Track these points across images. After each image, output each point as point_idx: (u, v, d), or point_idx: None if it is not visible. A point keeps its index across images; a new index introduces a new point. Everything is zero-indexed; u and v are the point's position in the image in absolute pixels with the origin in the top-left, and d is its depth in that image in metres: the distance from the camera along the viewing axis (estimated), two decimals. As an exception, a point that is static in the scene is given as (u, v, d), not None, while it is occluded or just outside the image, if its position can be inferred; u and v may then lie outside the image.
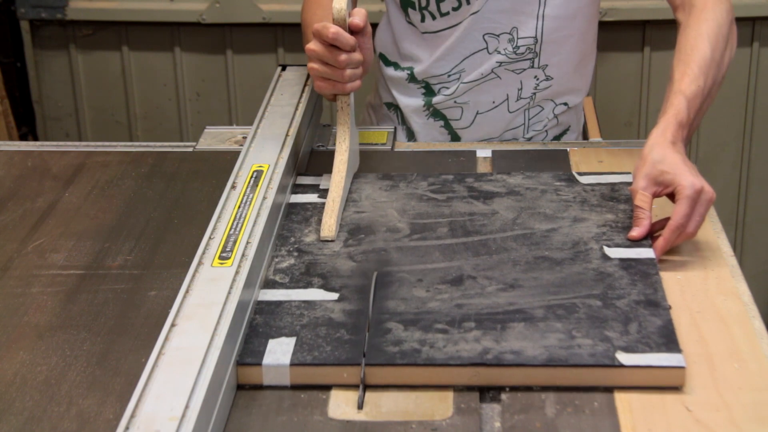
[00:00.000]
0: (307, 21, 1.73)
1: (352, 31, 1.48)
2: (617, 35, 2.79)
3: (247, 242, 1.35)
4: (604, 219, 1.48)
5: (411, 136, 1.89)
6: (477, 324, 1.25)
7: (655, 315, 1.27)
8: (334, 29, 1.45)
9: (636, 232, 1.42)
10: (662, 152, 1.42)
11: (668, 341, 1.22)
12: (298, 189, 1.59)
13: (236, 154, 1.61)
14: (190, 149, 1.80)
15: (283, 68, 1.86)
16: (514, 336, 1.23)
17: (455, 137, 1.86)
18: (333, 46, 1.47)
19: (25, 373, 1.22)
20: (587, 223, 1.48)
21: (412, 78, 1.84)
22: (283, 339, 1.24)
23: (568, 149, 1.76)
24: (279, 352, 1.21)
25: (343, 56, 1.47)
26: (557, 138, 1.89)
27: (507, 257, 1.40)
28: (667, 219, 1.41)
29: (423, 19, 1.78)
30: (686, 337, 1.26)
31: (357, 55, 1.49)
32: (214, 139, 1.83)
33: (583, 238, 1.44)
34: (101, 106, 3.04)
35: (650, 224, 1.42)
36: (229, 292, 1.24)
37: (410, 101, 1.86)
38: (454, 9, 1.74)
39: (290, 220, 1.50)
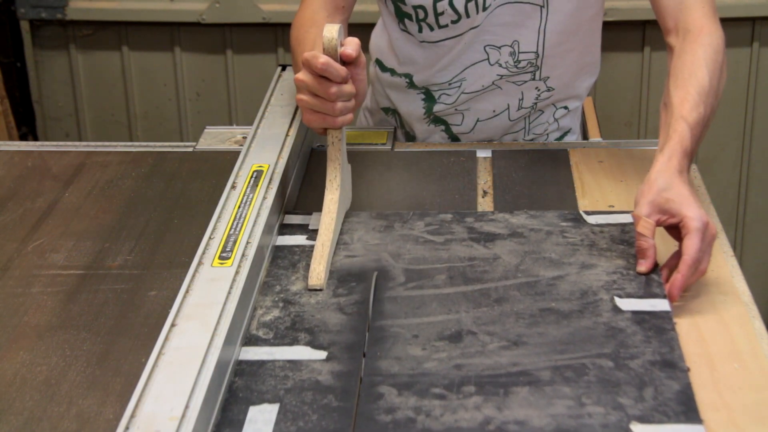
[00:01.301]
0: (299, 39, 1.64)
1: (344, 61, 1.38)
2: (617, 35, 2.79)
3: (247, 242, 1.35)
4: (615, 265, 1.38)
5: (410, 139, 1.89)
6: (477, 388, 1.15)
7: (672, 378, 1.16)
8: (323, 60, 1.35)
9: (644, 267, 1.35)
10: (669, 180, 1.36)
11: (687, 409, 1.11)
12: (285, 230, 1.49)
13: (236, 154, 1.61)
14: (190, 149, 1.80)
15: (283, 68, 1.86)
16: (518, 403, 1.12)
17: (455, 140, 1.86)
18: (323, 77, 1.37)
19: (25, 373, 1.22)
20: (596, 269, 1.37)
21: (411, 84, 1.82)
22: (266, 406, 1.13)
23: (568, 149, 1.76)
24: (260, 421, 1.11)
25: (334, 89, 1.37)
26: (558, 140, 1.88)
27: (510, 309, 1.29)
28: (676, 256, 1.35)
29: (420, 30, 1.75)
30: (686, 337, 1.26)
31: (348, 88, 1.39)
32: (214, 139, 1.83)
33: (592, 287, 1.33)
34: (101, 106, 3.04)
35: (655, 254, 1.36)
36: (229, 292, 1.24)
37: (410, 108, 1.84)
38: (453, 22, 1.71)
39: (276, 266, 1.40)
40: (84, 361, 1.24)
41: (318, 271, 1.35)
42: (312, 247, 1.41)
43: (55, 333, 1.30)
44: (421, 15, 1.72)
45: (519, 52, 1.73)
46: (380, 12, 1.83)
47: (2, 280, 1.42)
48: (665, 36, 1.59)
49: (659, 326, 1.25)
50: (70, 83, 3.02)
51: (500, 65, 1.75)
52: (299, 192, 1.63)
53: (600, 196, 1.61)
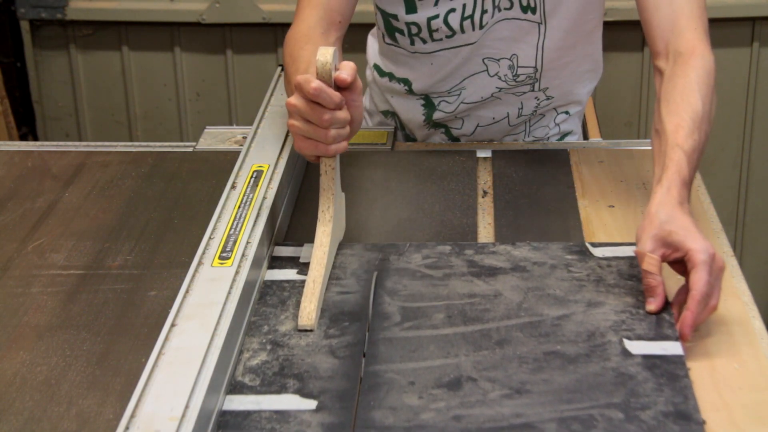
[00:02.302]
0: (293, 56, 1.53)
1: (339, 86, 1.29)
2: (617, 35, 2.79)
3: (247, 242, 1.35)
4: (623, 303, 1.29)
5: (410, 140, 1.88)
6: None
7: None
8: (316, 85, 1.26)
9: (653, 305, 1.28)
10: (670, 212, 1.30)
11: None
12: (275, 263, 1.40)
13: (236, 154, 1.60)
14: (190, 149, 1.80)
15: (283, 68, 1.86)
16: None
17: (456, 141, 1.85)
18: (316, 102, 1.29)
19: (25, 373, 1.22)
20: (604, 308, 1.29)
21: (410, 91, 1.80)
22: None
23: (568, 149, 1.76)
24: None
25: (327, 115, 1.28)
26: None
27: (513, 352, 1.21)
28: (684, 291, 1.28)
29: (413, 43, 1.72)
30: (686, 337, 1.26)
31: (343, 114, 1.30)
32: (214, 139, 1.83)
33: (600, 327, 1.25)
34: (101, 106, 3.04)
35: (665, 291, 1.28)
36: (229, 292, 1.24)
37: (410, 114, 1.83)
38: (448, 37, 1.69)
39: (264, 303, 1.31)
40: (84, 361, 1.24)
41: (309, 311, 1.27)
42: (303, 282, 1.33)
43: (55, 333, 1.30)
44: (414, 30, 1.70)
45: (518, 66, 1.72)
46: (375, 17, 1.81)
47: (2, 280, 1.42)
48: (654, 59, 1.53)
49: (672, 372, 1.17)
50: (70, 83, 3.02)
51: (499, 78, 1.73)
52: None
53: (600, 196, 1.61)
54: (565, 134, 1.87)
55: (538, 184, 1.65)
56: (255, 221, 1.39)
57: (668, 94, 1.44)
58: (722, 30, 2.82)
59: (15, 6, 2.92)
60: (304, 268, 1.38)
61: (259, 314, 1.30)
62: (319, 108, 1.29)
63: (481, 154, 1.76)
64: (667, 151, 1.37)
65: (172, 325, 1.18)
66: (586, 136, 2.10)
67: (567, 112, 1.84)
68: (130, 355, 1.25)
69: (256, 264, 1.33)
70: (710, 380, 1.19)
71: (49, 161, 1.76)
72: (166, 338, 1.16)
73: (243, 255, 1.32)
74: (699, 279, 1.24)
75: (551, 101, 1.79)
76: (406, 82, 1.80)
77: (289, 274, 1.38)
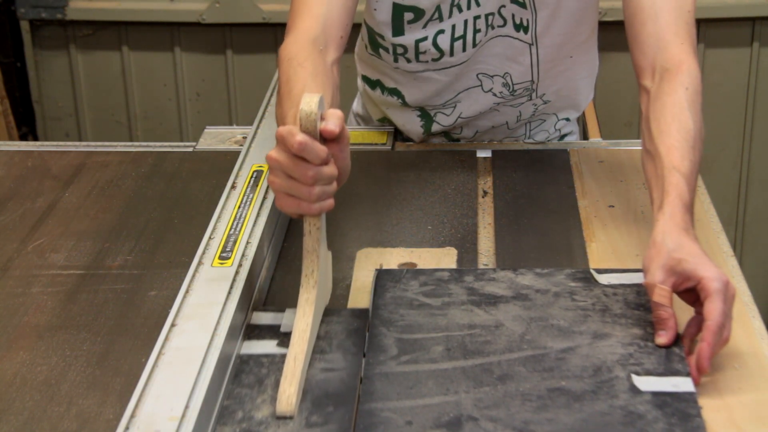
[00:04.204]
0: (288, 76, 1.38)
1: (325, 138, 1.18)
2: (617, 35, 2.77)
3: (247, 242, 1.35)
4: (631, 335, 1.23)
5: (409, 140, 1.88)
6: None
7: None
8: (300, 139, 1.14)
9: (664, 338, 1.21)
10: (677, 240, 1.23)
11: None
12: (252, 333, 1.25)
13: (236, 154, 1.61)
14: (190, 149, 1.80)
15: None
16: None
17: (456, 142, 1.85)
18: (300, 157, 1.17)
19: (25, 373, 1.22)
20: (610, 340, 1.22)
21: (405, 104, 1.76)
22: None
23: (568, 149, 1.77)
24: None
25: (312, 171, 1.16)
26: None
27: (515, 389, 1.14)
28: (695, 323, 1.22)
29: (396, 60, 1.67)
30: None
31: (329, 170, 1.18)
32: (214, 139, 1.83)
33: (607, 361, 1.18)
34: (101, 106, 3.04)
35: (676, 324, 1.22)
36: (229, 293, 1.24)
37: (408, 126, 1.79)
38: (434, 60, 1.65)
39: (239, 383, 1.17)
40: (84, 361, 1.24)
41: (288, 394, 1.12)
42: (283, 357, 1.18)
43: (55, 333, 1.30)
44: (400, 51, 1.65)
45: (513, 84, 1.70)
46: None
47: (2, 280, 1.42)
48: (639, 77, 1.48)
49: (683, 411, 1.11)
50: (70, 83, 3.02)
51: (494, 94, 1.71)
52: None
53: (600, 196, 1.61)
54: (564, 135, 1.87)
55: (538, 184, 1.65)
56: (255, 221, 1.39)
57: (657, 114, 1.39)
58: (722, 30, 2.83)
59: (15, 6, 2.92)
60: (285, 339, 1.23)
61: (233, 397, 1.15)
62: (303, 163, 1.17)
63: (481, 154, 1.76)
64: (664, 175, 1.31)
65: (172, 325, 1.18)
66: (586, 136, 2.10)
67: (567, 119, 1.83)
68: (130, 355, 1.25)
69: (231, 335, 1.19)
70: (710, 380, 1.19)
71: (49, 161, 1.76)
72: (166, 338, 1.16)
73: (243, 255, 1.32)
74: (714, 309, 1.17)
75: (549, 104, 1.78)
76: (397, 94, 1.75)
77: (268, 346, 1.24)
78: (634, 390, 1.13)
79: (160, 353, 1.13)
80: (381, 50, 1.68)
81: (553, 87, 1.75)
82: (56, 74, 3.02)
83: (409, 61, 1.67)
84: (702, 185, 1.66)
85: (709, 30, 2.83)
